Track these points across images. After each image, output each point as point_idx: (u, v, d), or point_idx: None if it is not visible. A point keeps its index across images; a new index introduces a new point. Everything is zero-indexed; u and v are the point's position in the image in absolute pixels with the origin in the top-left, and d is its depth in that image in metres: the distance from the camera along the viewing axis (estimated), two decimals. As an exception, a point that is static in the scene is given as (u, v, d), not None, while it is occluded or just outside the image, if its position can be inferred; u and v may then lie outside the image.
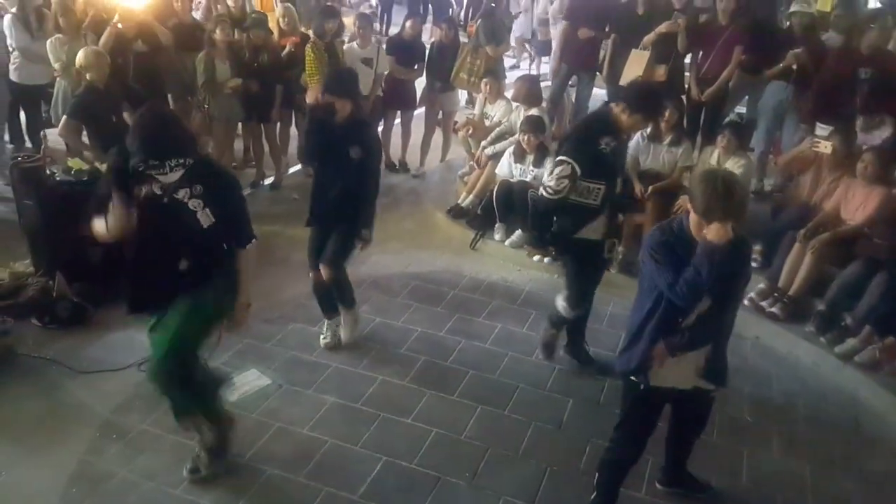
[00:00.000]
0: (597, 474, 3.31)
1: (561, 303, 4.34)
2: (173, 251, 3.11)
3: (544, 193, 4.02)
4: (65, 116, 5.55)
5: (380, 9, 13.08)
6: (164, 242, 3.10)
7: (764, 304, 5.03)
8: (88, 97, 5.46)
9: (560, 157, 4.00)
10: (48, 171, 4.97)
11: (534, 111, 6.28)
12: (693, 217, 2.87)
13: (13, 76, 6.56)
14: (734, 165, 5.45)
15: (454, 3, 13.61)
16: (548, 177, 4.09)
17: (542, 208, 4.13)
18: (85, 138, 5.54)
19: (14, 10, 6.50)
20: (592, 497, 3.32)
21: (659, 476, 3.57)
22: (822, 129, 5.63)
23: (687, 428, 3.43)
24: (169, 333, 3.18)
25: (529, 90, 6.45)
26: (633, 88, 4.26)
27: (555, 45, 8.31)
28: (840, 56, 6.03)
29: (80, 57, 5.47)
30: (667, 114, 5.54)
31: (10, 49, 6.56)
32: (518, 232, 5.92)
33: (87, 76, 5.45)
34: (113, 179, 3.04)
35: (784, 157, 5.94)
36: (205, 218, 3.05)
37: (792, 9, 6.47)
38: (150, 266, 3.16)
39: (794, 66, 6.14)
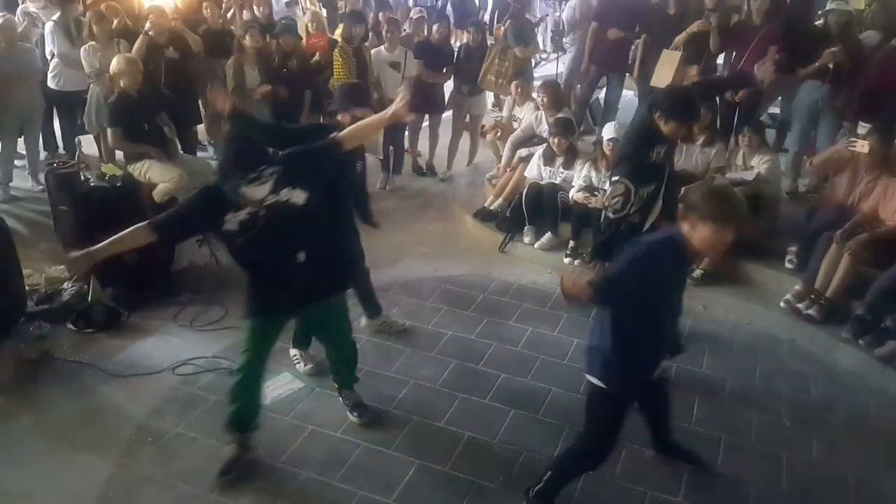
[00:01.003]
0: (554, 473, 3.25)
1: None
2: (287, 248, 3.23)
3: (608, 215, 4.32)
4: (109, 129, 5.67)
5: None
6: (276, 249, 3.20)
7: (800, 306, 4.94)
8: (121, 104, 5.56)
9: (615, 178, 4.25)
10: (83, 177, 5.04)
11: (560, 115, 6.26)
12: (705, 231, 2.82)
13: (51, 83, 6.69)
14: (760, 163, 5.42)
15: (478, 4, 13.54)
16: (605, 198, 4.35)
17: (605, 229, 4.39)
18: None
19: (55, 18, 6.61)
20: (539, 487, 3.26)
21: (652, 444, 3.58)
22: (863, 128, 5.54)
23: (663, 404, 3.42)
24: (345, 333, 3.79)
25: (552, 96, 6.42)
26: (665, 96, 4.33)
27: (573, 48, 8.23)
28: (888, 54, 5.93)
29: (114, 64, 5.58)
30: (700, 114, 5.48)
31: (50, 57, 6.67)
32: (548, 234, 5.89)
33: (121, 83, 5.54)
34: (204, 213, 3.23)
35: (819, 157, 5.84)
36: (299, 197, 3.17)
37: (828, 7, 6.36)
38: (272, 275, 3.28)
39: (831, 66, 6.04)
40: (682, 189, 5.33)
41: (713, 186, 3.00)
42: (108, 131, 5.72)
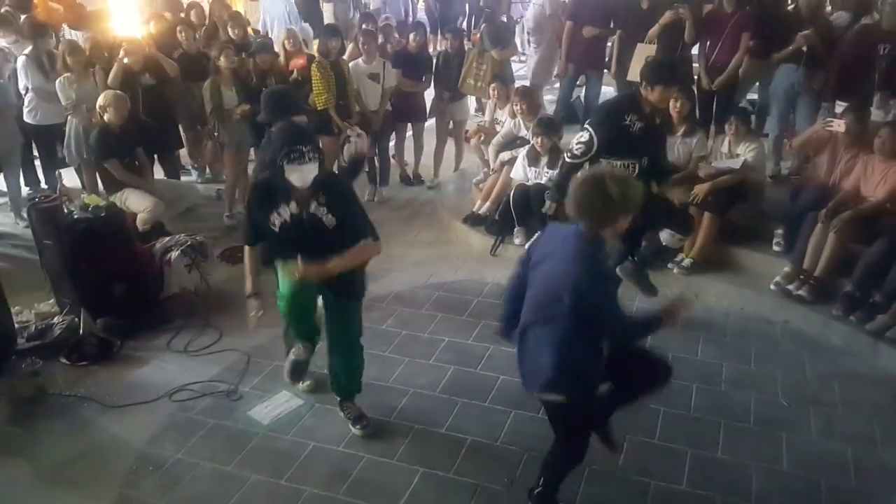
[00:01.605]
0: (546, 477, 3.26)
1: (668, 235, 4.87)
2: (313, 258, 3.37)
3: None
4: (106, 163, 5.84)
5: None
6: (306, 256, 3.36)
7: (790, 287, 4.98)
8: (104, 137, 5.66)
9: (584, 126, 4.45)
10: (66, 210, 5.02)
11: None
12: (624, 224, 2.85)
13: (27, 118, 6.62)
14: (746, 150, 5.45)
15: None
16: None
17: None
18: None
19: (27, 52, 6.58)
20: (538, 489, 3.27)
21: None
22: (841, 108, 5.60)
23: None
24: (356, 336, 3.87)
25: (530, 103, 6.46)
26: (645, 67, 4.53)
27: (540, 48, 8.24)
28: (860, 33, 5.99)
29: (101, 98, 5.67)
30: (678, 105, 5.51)
31: (24, 91, 6.64)
32: (538, 234, 5.89)
33: (105, 117, 5.61)
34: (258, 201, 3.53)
35: (798, 139, 5.90)
36: (329, 220, 3.44)
37: (798, -11, 6.44)
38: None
39: (804, 48, 6.10)
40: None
41: (595, 183, 2.83)
42: (106, 165, 5.85)
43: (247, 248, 3.71)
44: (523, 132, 6.44)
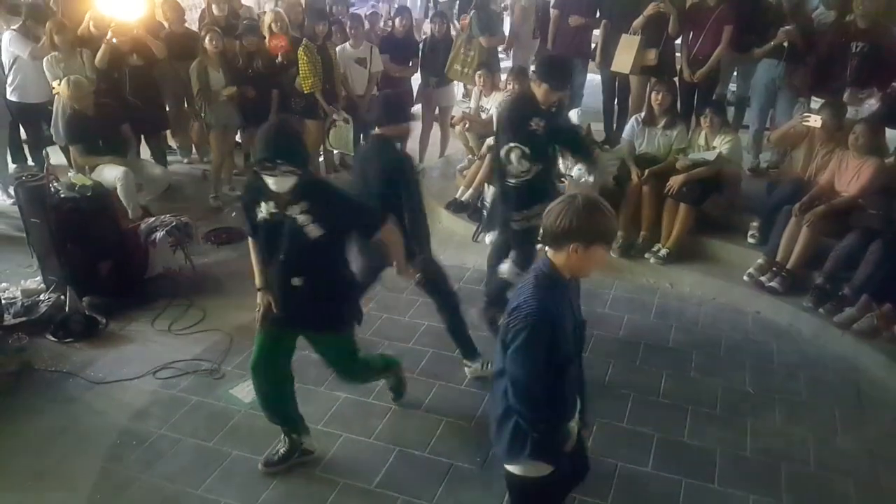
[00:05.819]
0: None
1: (508, 267, 4.53)
2: (287, 267, 3.27)
3: (511, 182, 4.30)
4: (70, 146, 6.01)
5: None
6: (279, 259, 3.27)
7: (763, 278, 5.10)
8: (76, 122, 5.90)
9: (511, 145, 4.22)
10: (53, 189, 5.07)
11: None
12: (578, 254, 2.23)
13: (12, 96, 6.57)
14: (721, 143, 5.53)
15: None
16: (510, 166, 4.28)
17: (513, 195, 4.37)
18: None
19: (14, 27, 6.50)
20: None
21: None
22: (817, 103, 5.68)
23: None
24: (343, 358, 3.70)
25: (521, 85, 6.48)
26: (539, 60, 4.55)
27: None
28: (836, 30, 6.08)
29: (63, 87, 5.79)
30: (660, 97, 5.61)
31: (8, 67, 6.57)
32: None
33: (73, 105, 5.70)
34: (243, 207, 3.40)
35: (776, 133, 5.99)
36: (313, 231, 3.16)
37: (781, -14, 6.50)
38: (273, 281, 3.37)
39: (785, 44, 6.18)
40: (646, 171, 5.55)
41: (586, 200, 2.24)
42: (71, 148, 6.01)
43: (250, 239, 3.45)
44: None
